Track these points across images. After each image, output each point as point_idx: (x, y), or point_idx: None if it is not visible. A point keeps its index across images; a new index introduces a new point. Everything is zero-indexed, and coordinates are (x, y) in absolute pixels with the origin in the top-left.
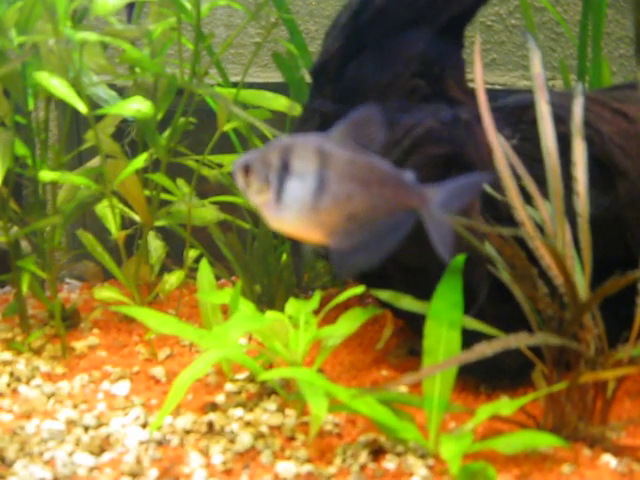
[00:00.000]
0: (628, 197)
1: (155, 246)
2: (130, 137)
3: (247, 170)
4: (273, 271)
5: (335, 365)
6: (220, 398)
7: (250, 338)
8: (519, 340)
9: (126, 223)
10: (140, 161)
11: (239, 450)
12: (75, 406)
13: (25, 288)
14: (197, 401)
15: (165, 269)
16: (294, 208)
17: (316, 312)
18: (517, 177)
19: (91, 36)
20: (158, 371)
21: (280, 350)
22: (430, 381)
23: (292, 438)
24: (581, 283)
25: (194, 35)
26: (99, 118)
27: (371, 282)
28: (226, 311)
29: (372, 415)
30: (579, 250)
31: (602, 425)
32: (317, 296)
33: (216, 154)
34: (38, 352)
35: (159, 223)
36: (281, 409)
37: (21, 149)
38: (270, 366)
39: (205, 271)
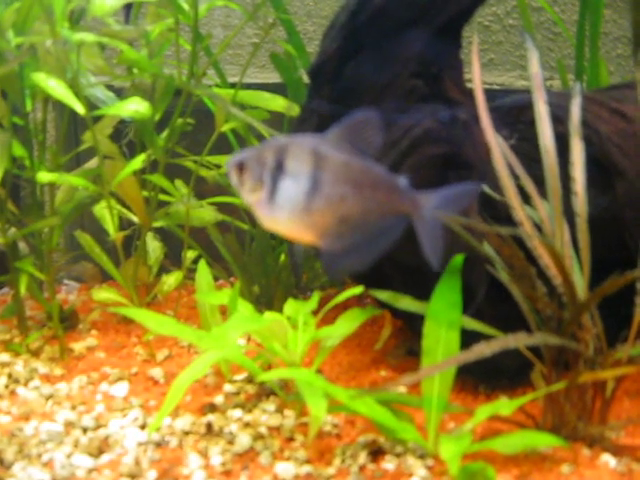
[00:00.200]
0: (626, 197)
1: (153, 247)
2: (128, 138)
3: (241, 168)
4: (271, 272)
5: (334, 366)
6: (219, 399)
7: (249, 339)
8: (518, 340)
9: (124, 224)
10: (138, 162)
11: (238, 451)
12: (73, 407)
13: (23, 289)
14: (196, 402)
15: (163, 270)
16: (287, 208)
17: (315, 313)
18: (515, 177)
19: (89, 37)
20: (157, 372)
21: (279, 351)
22: (429, 381)
23: (291, 439)
24: (580, 283)
25: (192, 36)
26: (97, 119)
27: (370, 282)
28: (225, 312)
29: (371, 416)
30: (578, 250)
31: (601, 425)
32: (316, 297)
33: (214, 155)
34: (36, 353)
35: (157, 224)
36: (280, 410)
37: (19, 150)
38: (269, 367)
39: (203, 272)
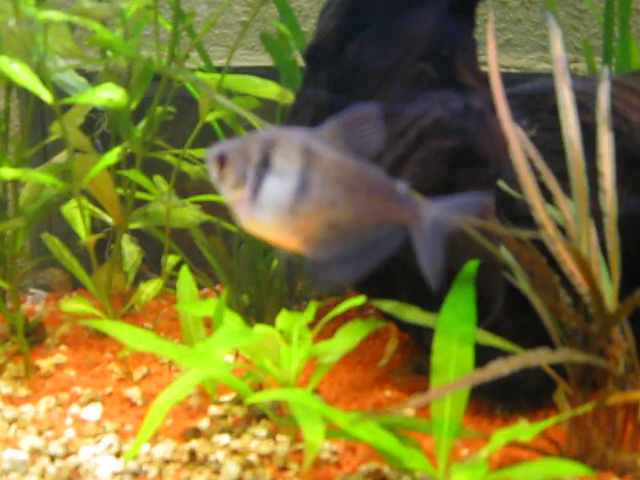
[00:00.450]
0: None
1: (130, 251)
2: (101, 129)
3: (222, 161)
4: (262, 279)
5: (333, 385)
6: (203, 423)
7: (237, 355)
8: (539, 357)
9: (97, 226)
10: (112, 156)
11: None
12: (40, 433)
13: None
14: (177, 427)
15: (141, 277)
16: (270, 209)
17: (311, 325)
18: (536, 172)
19: (56, 16)
20: (134, 393)
21: (270, 369)
22: (439, 403)
23: (284, 468)
24: (609, 292)
25: (172, 14)
26: (66, 108)
27: (373, 291)
28: (210, 325)
29: (374, 442)
30: (606, 254)
31: (633, 452)
32: (312, 307)
33: (198, 148)
34: None
35: (134, 225)
36: (272, 435)
37: None
38: (259, 387)
39: (186, 279)
